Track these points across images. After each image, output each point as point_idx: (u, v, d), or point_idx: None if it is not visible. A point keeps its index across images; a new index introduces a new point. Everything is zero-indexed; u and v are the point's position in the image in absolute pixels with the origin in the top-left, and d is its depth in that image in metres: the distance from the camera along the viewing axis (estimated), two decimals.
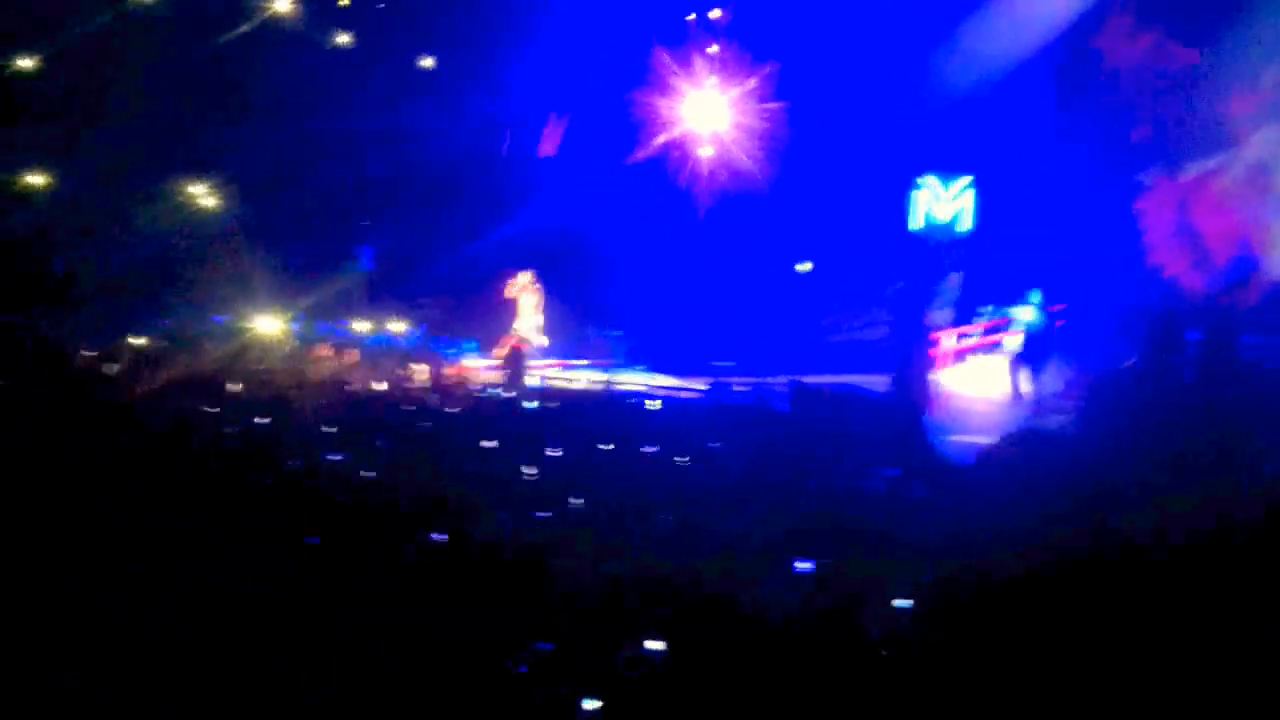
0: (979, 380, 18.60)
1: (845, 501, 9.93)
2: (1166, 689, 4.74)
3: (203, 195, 18.60)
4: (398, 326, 19.52)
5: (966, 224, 21.80)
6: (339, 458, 10.64)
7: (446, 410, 14.23)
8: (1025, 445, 11.07)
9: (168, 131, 18.37)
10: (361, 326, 19.08)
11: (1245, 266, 18.45)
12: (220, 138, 18.79)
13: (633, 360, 19.70)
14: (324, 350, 17.68)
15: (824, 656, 5.38)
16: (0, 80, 17.59)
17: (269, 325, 17.93)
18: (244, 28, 18.78)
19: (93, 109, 17.85)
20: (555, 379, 17.70)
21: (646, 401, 15.02)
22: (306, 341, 18.05)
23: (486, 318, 20.19)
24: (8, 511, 6.80)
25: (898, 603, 6.06)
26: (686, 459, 11.24)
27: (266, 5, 18.97)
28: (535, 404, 15.12)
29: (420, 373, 17.52)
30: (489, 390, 16.54)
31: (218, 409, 12.58)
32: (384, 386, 16.04)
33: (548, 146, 22.08)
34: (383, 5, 20.81)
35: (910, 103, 20.46)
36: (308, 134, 19.64)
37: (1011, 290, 20.57)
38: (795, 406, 14.35)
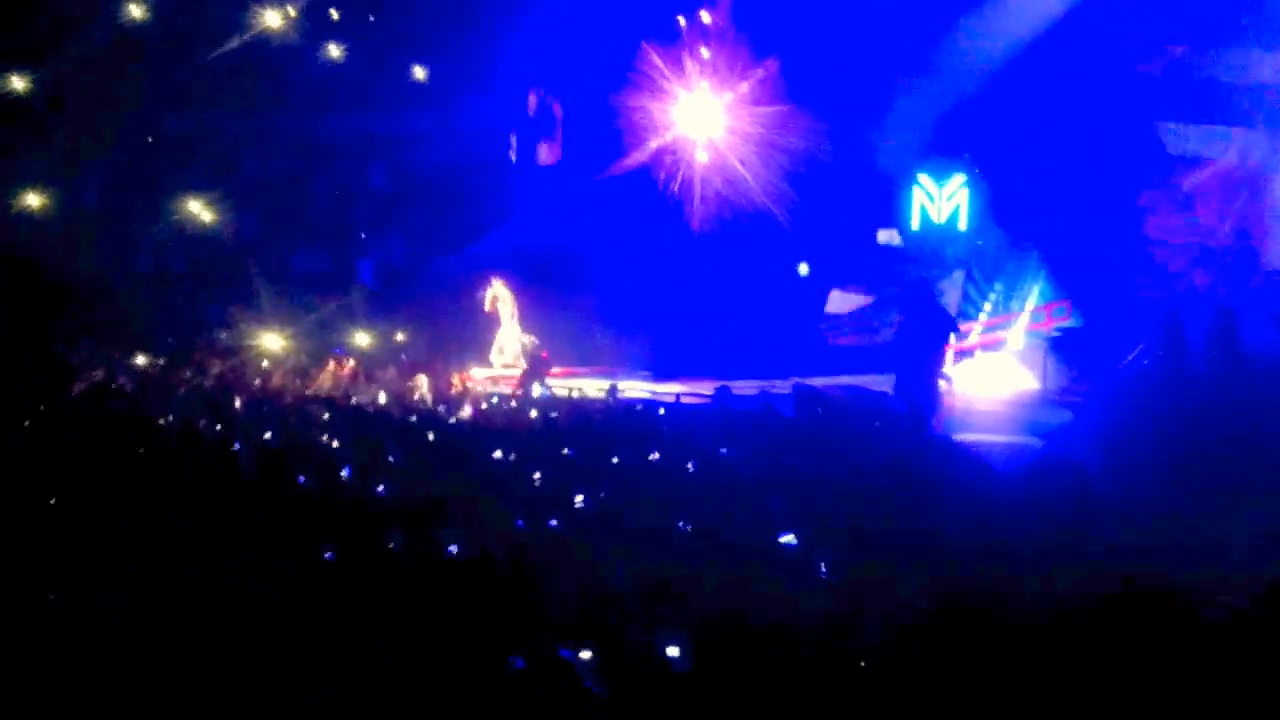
0: (982, 378, 18.61)
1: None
2: None
3: (201, 209, 18.55)
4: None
5: (963, 223, 21.82)
6: (346, 471, 10.61)
7: (451, 420, 14.23)
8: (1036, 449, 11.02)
9: (164, 145, 18.36)
10: (362, 340, 19.05)
11: (1247, 260, 18.48)
12: (217, 150, 18.78)
13: (636, 366, 19.69)
14: (327, 364, 17.67)
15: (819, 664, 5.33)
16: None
17: (270, 339, 17.92)
18: (238, 41, 18.77)
19: (89, 122, 17.84)
20: (559, 387, 17.68)
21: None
22: (309, 355, 18.03)
23: (483, 326, 20.18)
24: (8, 512, 6.78)
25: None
26: (690, 465, 11.20)
27: (262, 18, 18.94)
28: (537, 413, 15.11)
29: (423, 383, 17.50)
30: (495, 399, 16.52)
31: (222, 421, 12.56)
32: (384, 399, 16.03)
33: (546, 155, 22.11)
34: (373, 19, 20.80)
35: (907, 100, 20.48)
36: (307, 145, 19.65)
37: (1012, 288, 20.63)
38: (799, 410, 14.31)
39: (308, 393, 15.90)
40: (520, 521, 9.06)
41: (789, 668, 5.28)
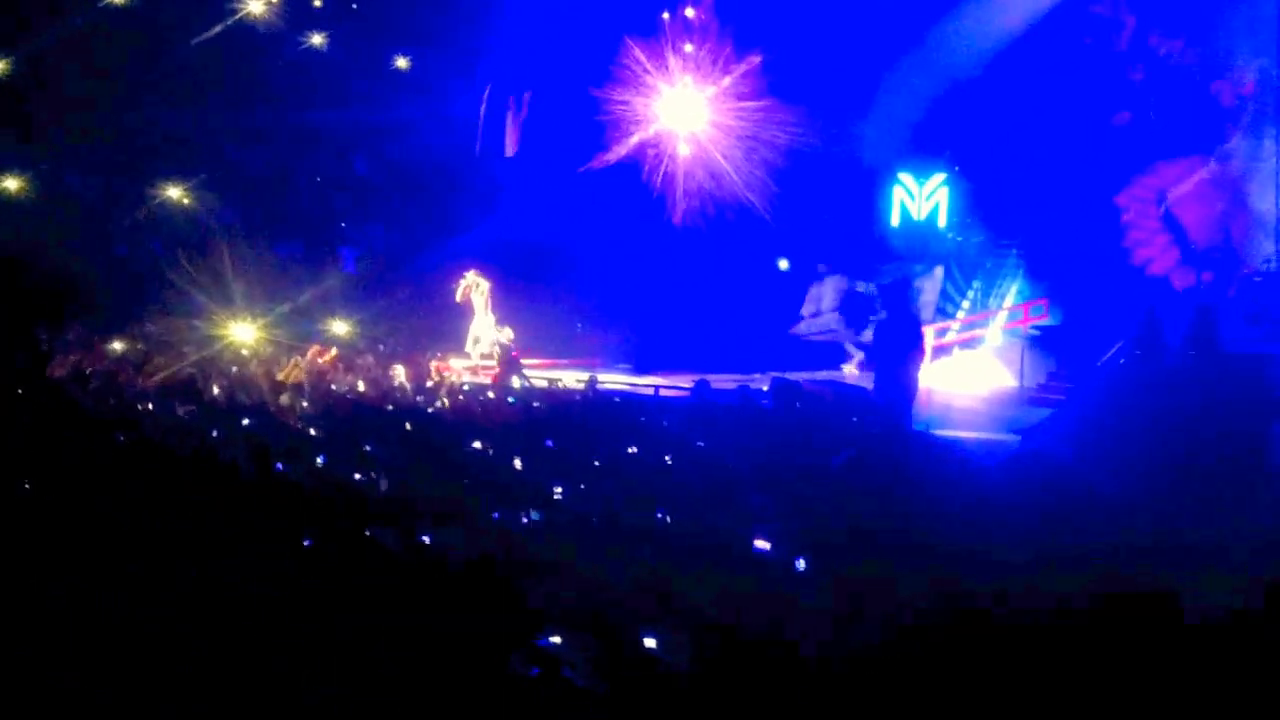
0: (960, 375, 18.66)
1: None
2: None
3: (184, 196, 18.44)
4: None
5: (943, 220, 21.89)
6: (325, 459, 10.57)
7: (430, 410, 14.18)
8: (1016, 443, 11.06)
9: (147, 133, 18.25)
10: (341, 328, 18.95)
11: (1226, 260, 18.60)
12: (198, 138, 18.68)
13: (616, 359, 19.69)
14: (308, 351, 17.58)
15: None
16: None
17: (250, 327, 17.83)
18: (219, 28, 18.65)
19: (73, 112, 17.73)
20: (539, 379, 17.65)
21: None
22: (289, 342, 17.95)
23: (461, 317, 20.15)
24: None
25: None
26: (669, 458, 11.19)
27: (243, 5, 18.84)
28: (517, 402, 15.08)
29: (400, 373, 17.44)
30: (471, 390, 16.47)
31: (202, 410, 12.49)
32: (364, 388, 15.96)
33: (524, 147, 22.07)
34: (355, 5, 20.73)
35: (889, 97, 20.54)
36: (288, 133, 19.57)
37: (990, 285, 20.70)
38: (778, 403, 14.32)
39: (286, 379, 15.82)
40: (497, 514, 9.05)
41: (768, 663, 5.28)
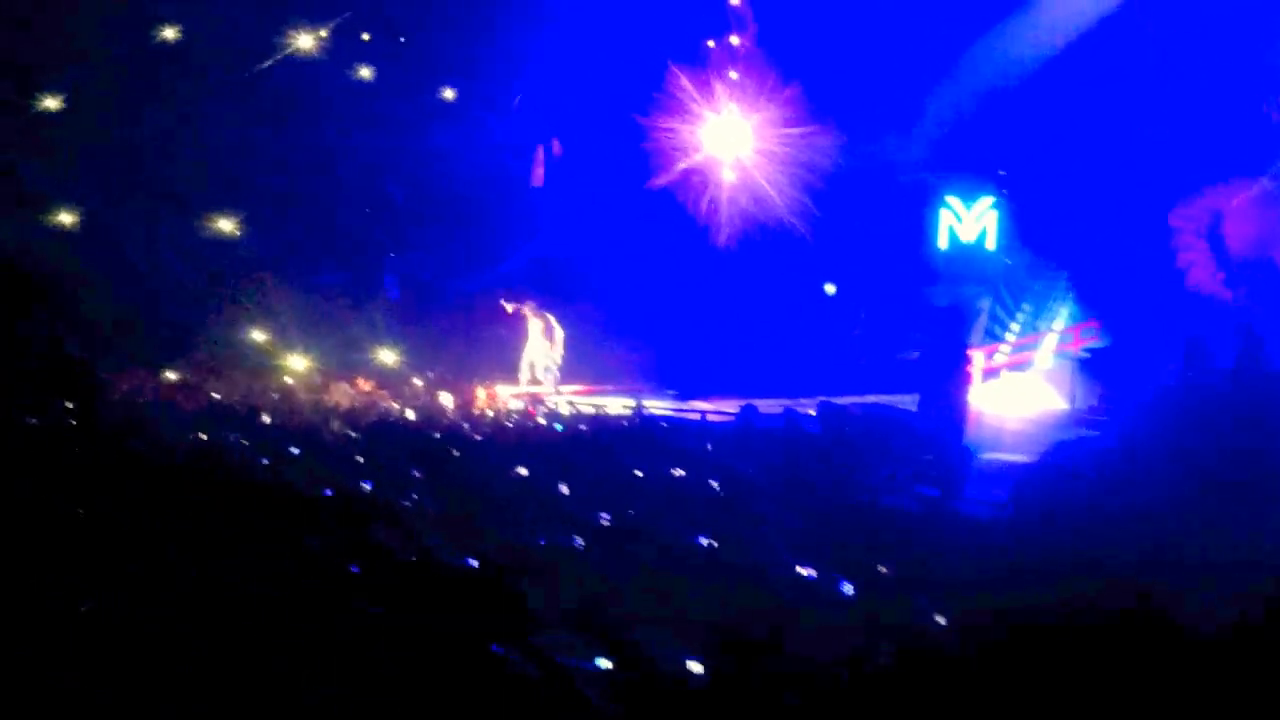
0: (1010, 398, 18.51)
1: (880, 521, 9.83)
2: None
3: (230, 226, 18.60)
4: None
5: (991, 243, 21.75)
6: (372, 485, 10.60)
7: (476, 436, 14.21)
8: (1065, 468, 10.93)
9: (191, 160, 18.44)
10: (388, 357, 19.02)
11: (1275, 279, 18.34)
12: (242, 168, 18.85)
13: (662, 384, 19.64)
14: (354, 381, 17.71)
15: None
16: (22, 106, 17.68)
17: (298, 356, 17.96)
18: (268, 62, 18.85)
19: (115, 137, 17.94)
20: (584, 404, 17.66)
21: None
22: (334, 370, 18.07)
23: (509, 343, 20.18)
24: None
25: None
26: (716, 484, 11.16)
27: (290, 39, 19.02)
28: (562, 428, 15.10)
29: (448, 399, 17.51)
30: (519, 416, 16.51)
31: (252, 437, 12.57)
32: (411, 414, 16.02)
33: (538, 174, 22.13)
34: (403, 40, 20.88)
35: (936, 120, 20.46)
36: (331, 159, 19.71)
37: (1040, 308, 20.52)
38: (825, 427, 14.24)
39: (332, 407, 15.92)
40: (543, 539, 9.03)
41: (802, 686, 5.24)
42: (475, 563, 7.56)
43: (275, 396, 16.23)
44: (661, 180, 20.93)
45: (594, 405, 17.51)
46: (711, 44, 21.89)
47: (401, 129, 20.18)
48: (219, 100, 18.39)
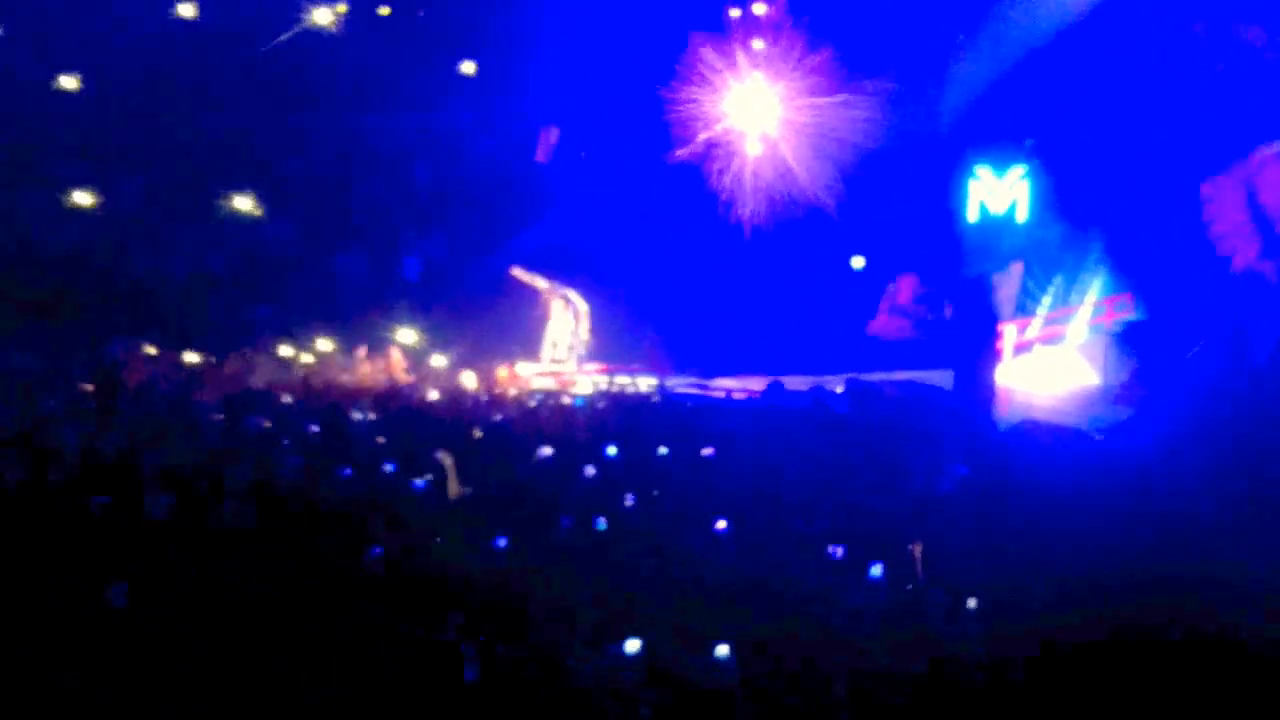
0: (1042, 373, 18.25)
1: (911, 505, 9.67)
2: None
3: (249, 207, 18.50)
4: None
5: (1023, 214, 21.39)
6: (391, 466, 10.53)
7: (498, 417, 14.07)
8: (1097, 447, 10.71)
9: (211, 144, 18.35)
10: (408, 337, 18.93)
11: None
12: (263, 148, 18.75)
13: (687, 362, 19.45)
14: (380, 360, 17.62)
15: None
16: (46, 97, 17.65)
17: (318, 338, 17.89)
18: (283, 37, 18.71)
19: (137, 124, 17.87)
20: (608, 384, 17.51)
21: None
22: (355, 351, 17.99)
23: (531, 322, 20.04)
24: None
25: None
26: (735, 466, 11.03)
27: (306, 15, 18.88)
28: (583, 402, 14.99)
29: (470, 379, 17.41)
30: (542, 396, 16.38)
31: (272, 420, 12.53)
32: (435, 395, 15.91)
33: (542, 154, 21.89)
34: (422, 13, 20.69)
35: (965, 88, 20.13)
36: (350, 141, 19.59)
37: (1072, 280, 20.20)
38: (853, 406, 14.05)
39: (357, 386, 15.86)
40: (566, 521, 8.92)
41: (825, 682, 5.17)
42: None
43: (294, 379, 16.15)
44: (685, 154, 20.67)
45: (617, 384, 17.35)
46: (736, 12, 21.57)
47: (418, 107, 20.00)
48: (234, 81, 18.27)
